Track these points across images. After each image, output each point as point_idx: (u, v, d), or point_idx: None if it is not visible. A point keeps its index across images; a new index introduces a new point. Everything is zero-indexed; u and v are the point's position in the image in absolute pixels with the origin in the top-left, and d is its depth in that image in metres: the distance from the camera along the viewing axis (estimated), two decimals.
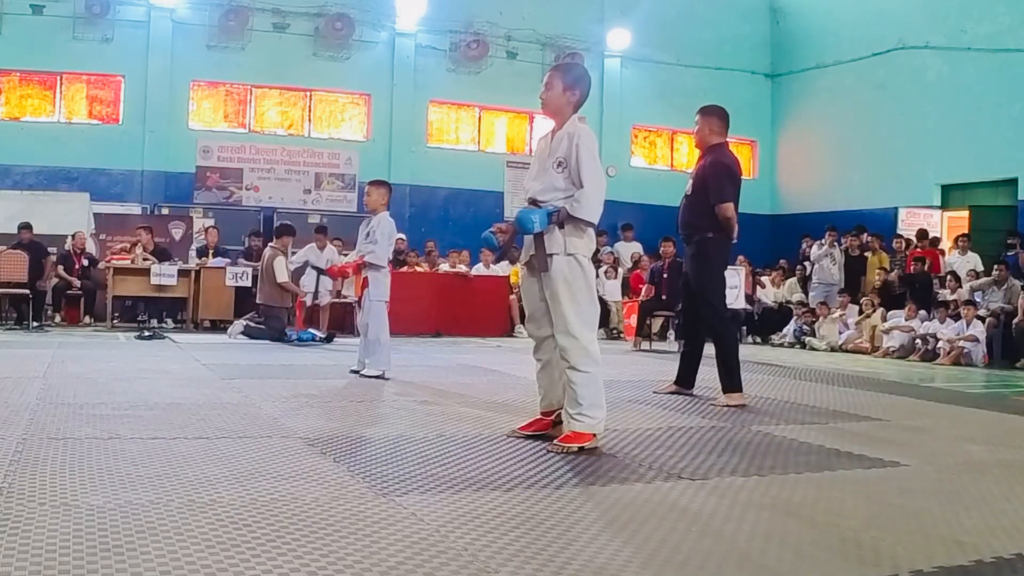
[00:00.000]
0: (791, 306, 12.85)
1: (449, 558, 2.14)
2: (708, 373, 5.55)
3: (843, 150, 16.25)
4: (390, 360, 6.24)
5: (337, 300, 10.83)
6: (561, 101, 3.75)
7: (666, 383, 5.79)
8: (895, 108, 15.14)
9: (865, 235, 13.19)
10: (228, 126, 14.68)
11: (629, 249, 14.71)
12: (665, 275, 10.22)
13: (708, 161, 5.35)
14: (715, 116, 5.41)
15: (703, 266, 5.35)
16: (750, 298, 12.79)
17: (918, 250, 12.57)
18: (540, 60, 15.41)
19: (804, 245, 14.16)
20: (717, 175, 5.25)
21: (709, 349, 5.67)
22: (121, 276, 10.69)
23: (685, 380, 5.69)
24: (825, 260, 12.77)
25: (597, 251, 12.51)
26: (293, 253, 10.31)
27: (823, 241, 12.99)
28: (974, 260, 11.90)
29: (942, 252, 13.05)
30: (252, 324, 9.73)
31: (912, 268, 11.92)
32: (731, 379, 5.24)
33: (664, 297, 10.19)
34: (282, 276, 9.62)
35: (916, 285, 11.44)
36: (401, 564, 2.08)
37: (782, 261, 14.28)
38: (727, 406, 5.08)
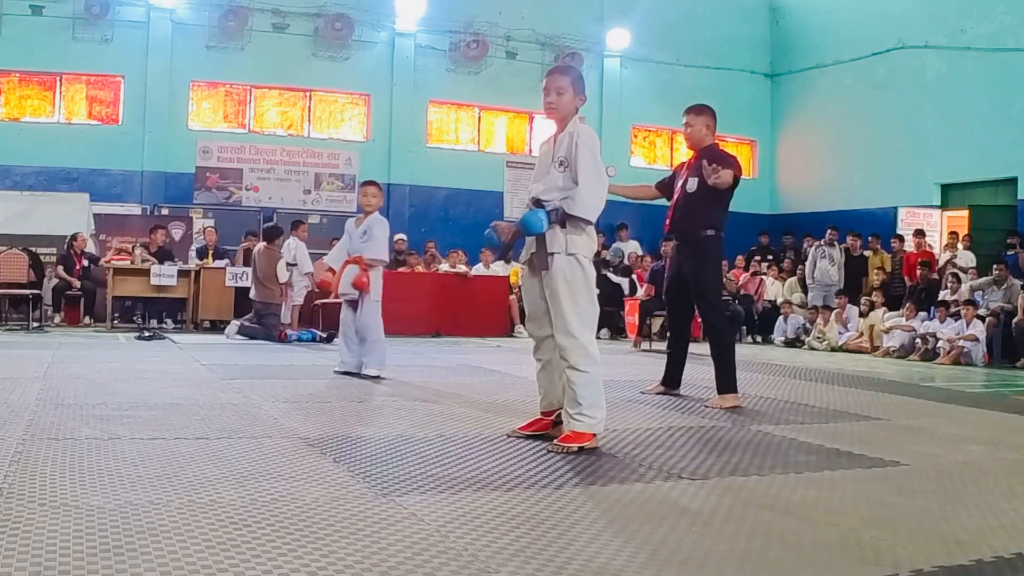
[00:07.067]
0: (792, 304, 12.84)
1: (449, 558, 2.14)
2: (706, 373, 5.54)
3: (843, 150, 16.24)
4: (385, 359, 6.29)
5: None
6: (571, 108, 3.77)
7: (653, 384, 5.75)
8: (895, 108, 15.13)
9: (858, 240, 13.17)
10: (228, 126, 14.67)
11: (626, 249, 14.71)
12: (665, 275, 10.20)
13: (711, 156, 5.25)
14: (708, 114, 5.36)
15: (703, 265, 5.30)
16: (751, 297, 12.79)
17: (915, 252, 12.53)
18: (540, 60, 15.40)
19: (805, 245, 14.16)
20: (726, 159, 5.27)
21: (704, 348, 5.65)
22: (121, 277, 10.70)
23: (672, 381, 5.64)
24: (823, 261, 12.75)
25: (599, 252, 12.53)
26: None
27: (820, 242, 12.98)
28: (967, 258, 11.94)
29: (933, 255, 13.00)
30: (247, 323, 9.75)
31: (916, 273, 11.84)
32: (727, 380, 5.20)
33: (664, 297, 10.17)
34: (283, 277, 9.82)
35: (922, 294, 11.34)
36: (401, 564, 2.07)
37: (786, 262, 14.28)
38: (721, 407, 5.03)
